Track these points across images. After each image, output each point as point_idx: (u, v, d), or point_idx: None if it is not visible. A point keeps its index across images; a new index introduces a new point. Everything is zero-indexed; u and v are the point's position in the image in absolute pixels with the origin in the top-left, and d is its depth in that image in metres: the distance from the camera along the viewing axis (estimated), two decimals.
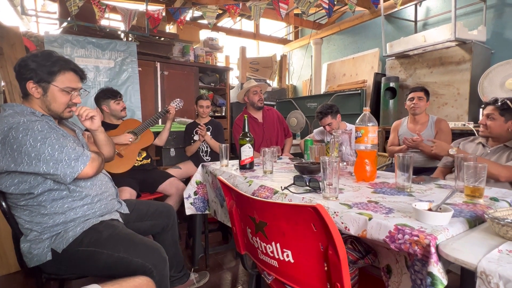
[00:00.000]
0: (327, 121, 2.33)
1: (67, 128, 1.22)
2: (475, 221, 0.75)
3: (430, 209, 0.75)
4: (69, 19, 2.70)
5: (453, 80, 2.81)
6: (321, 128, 2.65)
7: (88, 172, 1.02)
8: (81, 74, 1.15)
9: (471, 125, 2.50)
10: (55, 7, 3.32)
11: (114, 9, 2.75)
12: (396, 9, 3.32)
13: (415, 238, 0.66)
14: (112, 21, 3.70)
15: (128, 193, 1.94)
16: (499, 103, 1.50)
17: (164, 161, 3.02)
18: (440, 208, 0.75)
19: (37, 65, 1.04)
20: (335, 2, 2.81)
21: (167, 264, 1.07)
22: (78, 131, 1.26)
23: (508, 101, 1.48)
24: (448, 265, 0.65)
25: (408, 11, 3.58)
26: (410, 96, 2.22)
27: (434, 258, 0.62)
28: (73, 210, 1.06)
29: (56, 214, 1.03)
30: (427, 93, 2.23)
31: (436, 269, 0.62)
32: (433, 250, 0.62)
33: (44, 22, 3.51)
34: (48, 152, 0.94)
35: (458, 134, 2.45)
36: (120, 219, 1.22)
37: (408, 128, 2.32)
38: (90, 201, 1.11)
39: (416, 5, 3.38)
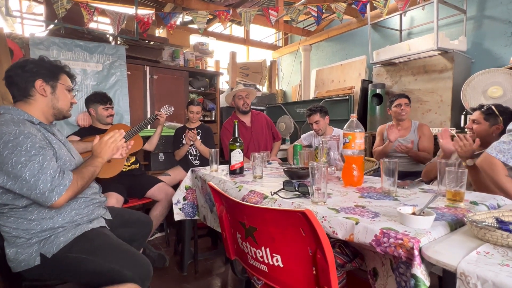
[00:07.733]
0: (315, 118, 2.41)
1: (56, 138, 1.19)
2: (456, 224, 0.78)
3: (414, 213, 0.78)
4: (56, 21, 2.65)
5: (436, 87, 2.91)
6: (308, 133, 2.70)
7: (61, 202, 0.96)
8: (72, 76, 1.22)
9: (453, 131, 2.59)
10: (41, 8, 3.25)
11: (103, 12, 2.73)
12: (382, 18, 3.44)
13: (400, 241, 0.68)
14: (101, 24, 3.65)
15: (115, 198, 1.90)
16: (484, 109, 1.55)
17: (153, 166, 2.99)
18: (423, 212, 0.78)
19: (40, 66, 1.08)
20: (324, 10, 2.88)
21: (150, 280, 1.08)
22: (65, 140, 1.24)
23: (492, 106, 1.54)
24: (431, 267, 0.67)
25: (394, 21, 3.70)
26: (396, 102, 2.30)
27: (417, 260, 0.65)
28: (61, 215, 1.05)
29: (44, 220, 1.02)
30: (409, 100, 2.35)
31: (419, 271, 0.64)
32: (416, 252, 0.65)
33: (29, 24, 3.43)
34: (25, 176, 0.92)
35: None
36: (106, 226, 1.22)
37: None
38: (78, 206, 1.11)
39: (401, 15, 3.50)
